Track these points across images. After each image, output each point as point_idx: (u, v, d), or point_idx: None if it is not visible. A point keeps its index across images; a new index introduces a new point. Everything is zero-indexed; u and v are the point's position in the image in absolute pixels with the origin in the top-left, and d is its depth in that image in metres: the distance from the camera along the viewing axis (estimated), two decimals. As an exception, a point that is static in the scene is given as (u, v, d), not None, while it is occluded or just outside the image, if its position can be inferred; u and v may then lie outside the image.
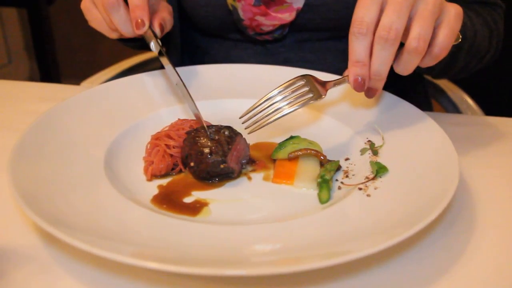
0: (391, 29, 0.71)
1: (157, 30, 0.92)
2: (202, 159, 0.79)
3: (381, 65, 0.73)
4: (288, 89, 0.81)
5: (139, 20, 0.88)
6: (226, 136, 0.81)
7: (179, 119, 0.90)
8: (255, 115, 0.80)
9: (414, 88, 1.35)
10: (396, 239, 0.61)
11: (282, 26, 1.11)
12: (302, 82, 0.81)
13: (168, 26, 0.96)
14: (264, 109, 0.80)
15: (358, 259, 0.58)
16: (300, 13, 1.10)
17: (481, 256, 0.69)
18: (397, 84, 1.19)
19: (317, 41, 1.17)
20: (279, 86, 0.81)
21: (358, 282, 0.64)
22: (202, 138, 0.82)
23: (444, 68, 0.99)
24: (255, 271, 0.58)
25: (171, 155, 0.83)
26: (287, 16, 1.09)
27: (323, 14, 1.10)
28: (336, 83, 0.81)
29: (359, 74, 0.75)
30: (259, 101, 0.81)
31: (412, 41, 0.71)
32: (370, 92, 0.82)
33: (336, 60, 1.18)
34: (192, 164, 0.80)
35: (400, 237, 0.61)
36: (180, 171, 0.83)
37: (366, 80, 0.75)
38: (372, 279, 0.65)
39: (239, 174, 0.82)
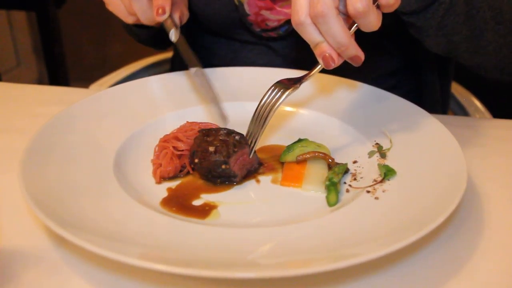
0: (319, 2, 0.69)
1: (176, 19, 0.95)
2: (206, 156, 0.79)
3: (335, 38, 0.71)
4: (266, 101, 0.81)
5: (160, 9, 0.90)
6: (235, 140, 0.82)
7: (187, 121, 0.91)
8: (250, 140, 0.83)
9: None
10: (405, 242, 0.61)
11: (287, 22, 1.11)
12: (274, 89, 0.81)
13: (185, 18, 0.99)
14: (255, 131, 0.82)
15: (366, 262, 0.58)
16: None
17: (490, 259, 0.69)
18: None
19: None
20: (258, 105, 0.82)
21: (365, 285, 0.64)
22: (210, 137, 0.82)
23: (474, 48, 0.91)
24: (264, 273, 0.58)
25: (179, 157, 0.83)
26: None
27: None
28: (311, 74, 0.80)
29: (323, 52, 0.73)
30: (248, 128, 0.83)
31: (350, 8, 0.69)
32: (352, 61, 0.77)
33: None
34: (196, 160, 0.81)
35: (409, 239, 0.61)
36: (188, 173, 0.83)
37: (333, 54, 0.73)
38: (379, 282, 0.65)
39: (241, 180, 0.82)
